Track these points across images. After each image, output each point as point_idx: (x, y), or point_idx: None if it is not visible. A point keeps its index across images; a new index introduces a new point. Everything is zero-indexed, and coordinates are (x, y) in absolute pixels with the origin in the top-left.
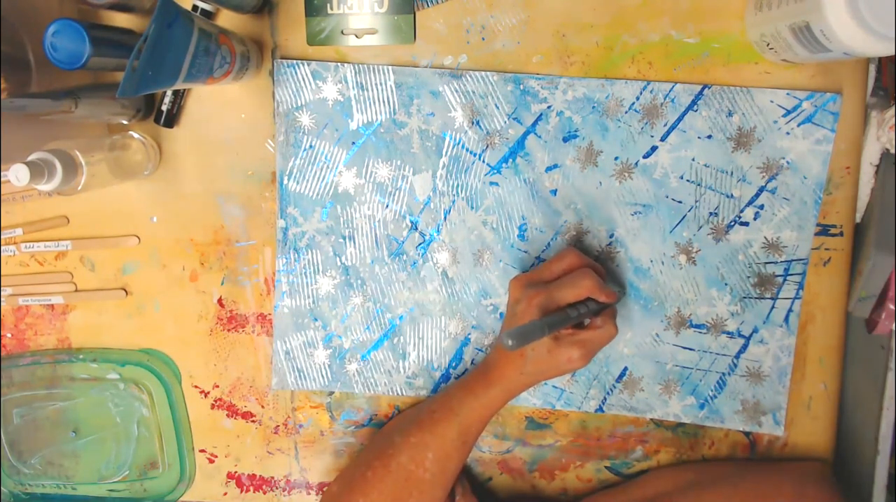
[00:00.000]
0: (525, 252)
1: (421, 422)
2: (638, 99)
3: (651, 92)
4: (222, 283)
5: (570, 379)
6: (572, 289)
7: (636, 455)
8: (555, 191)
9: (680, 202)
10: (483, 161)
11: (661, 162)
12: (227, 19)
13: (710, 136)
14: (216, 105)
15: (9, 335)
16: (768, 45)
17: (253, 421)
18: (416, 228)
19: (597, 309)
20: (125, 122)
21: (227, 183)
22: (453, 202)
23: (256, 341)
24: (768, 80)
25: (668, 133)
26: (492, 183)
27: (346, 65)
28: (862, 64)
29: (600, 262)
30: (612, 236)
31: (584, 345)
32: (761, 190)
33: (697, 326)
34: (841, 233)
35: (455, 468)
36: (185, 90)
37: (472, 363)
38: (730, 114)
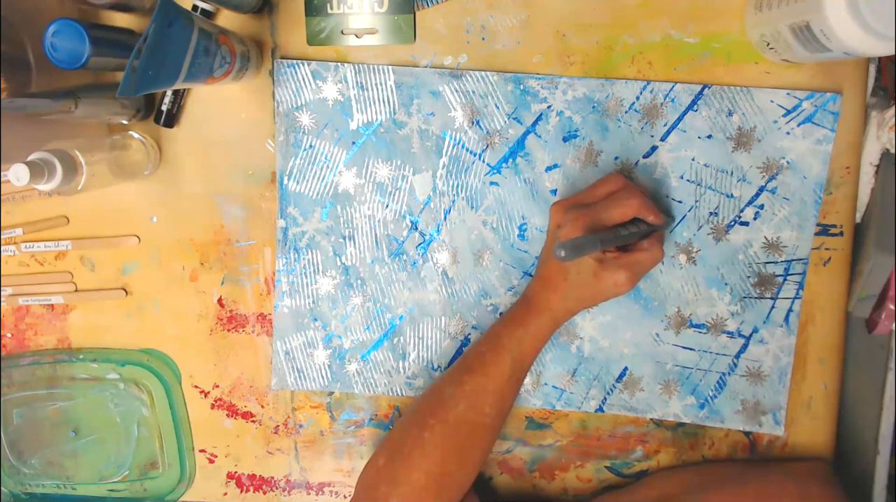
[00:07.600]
0: (525, 252)
1: (471, 368)
2: (638, 99)
3: (651, 92)
4: (222, 283)
5: (571, 379)
6: (618, 209)
7: (636, 455)
8: (555, 191)
9: (680, 202)
10: (483, 161)
11: (661, 162)
12: (227, 19)
13: (710, 136)
14: (216, 105)
15: (9, 335)
16: (768, 44)
17: (253, 421)
18: (416, 228)
19: (645, 232)
20: (125, 122)
21: (227, 183)
22: (453, 202)
23: (256, 341)
24: (768, 79)
25: (668, 133)
26: (492, 183)
27: (346, 65)
28: (862, 64)
29: None
30: None
31: (630, 268)
32: (761, 190)
33: (697, 326)
34: (841, 233)
35: (508, 409)
36: (185, 90)
37: None
38: (730, 114)
